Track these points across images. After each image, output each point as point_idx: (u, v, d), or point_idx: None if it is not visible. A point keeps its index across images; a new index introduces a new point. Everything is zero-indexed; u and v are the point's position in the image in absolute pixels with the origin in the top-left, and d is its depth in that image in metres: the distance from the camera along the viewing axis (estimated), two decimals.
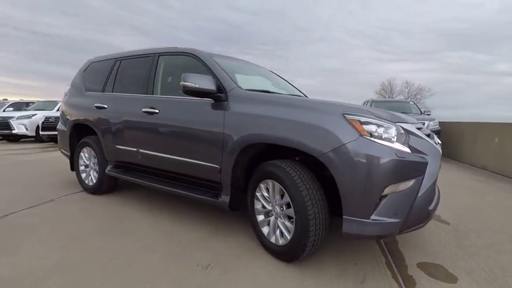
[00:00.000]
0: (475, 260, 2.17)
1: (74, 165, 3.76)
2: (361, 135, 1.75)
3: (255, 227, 2.29)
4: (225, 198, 2.34)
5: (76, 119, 3.60)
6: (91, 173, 3.56)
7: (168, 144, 2.68)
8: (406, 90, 41.20)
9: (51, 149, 8.43)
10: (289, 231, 2.00)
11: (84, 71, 3.82)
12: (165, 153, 2.70)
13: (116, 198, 3.40)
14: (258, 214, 2.27)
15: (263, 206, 2.24)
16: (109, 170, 3.27)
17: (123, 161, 3.18)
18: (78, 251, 2.15)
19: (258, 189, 2.23)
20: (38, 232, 2.46)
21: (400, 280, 1.89)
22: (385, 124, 1.82)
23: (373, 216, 1.73)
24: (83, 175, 3.65)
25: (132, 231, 2.52)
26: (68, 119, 3.75)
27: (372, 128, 1.78)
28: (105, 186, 3.45)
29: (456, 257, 2.21)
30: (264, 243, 2.20)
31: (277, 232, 2.10)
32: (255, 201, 2.27)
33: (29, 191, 3.63)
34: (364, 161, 1.70)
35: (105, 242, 2.31)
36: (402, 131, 1.86)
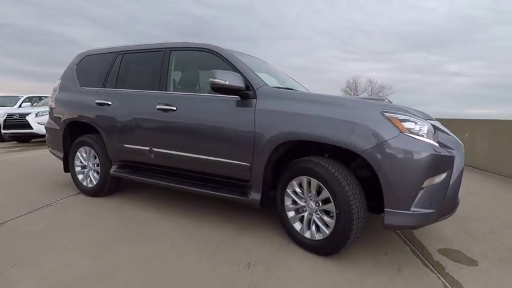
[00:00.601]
0: (485, 244, 2.40)
1: (68, 166, 3.50)
2: (401, 132, 1.85)
3: (285, 224, 2.32)
4: (255, 196, 2.34)
5: (72, 117, 3.34)
6: (90, 174, 3.34)
7: (188, 143, 2.60)
8: (370, 88, 43.55)
9: (16, 149, 7.72)
10: (327, 226, 2.06)
11: (78, 64, 3.55)
12: (184, 152, 2.62)
13: (118, 200, 3.22)
14: (289, 211, 2.30)
15: (294, 202, 2.27)
16: (114, 171, 3.09)
17: (131, 160, 3.03)
18: (106, 257, 2.03)
19: (289, 185, 2.26)
20: (50, 240, 2.27)
21: (430, 266, 2.03)
22: (420, 121, 1.94)
23: (412, 208, 1.84)
24: (80, 176, 3.41)
25: (154, 234, 2.42)
26: (60, 116, 3.47)
27: (411, 125, 1.89)
28: (107, 188, 3.25)
29: (468, 242, 2.42)
30: (297, 239, 2.24)
31: (313, 227, 2.15)
32: (285, 197, 2.30)
33: (16, 196, 3.32)
34: (407, 156, 1.81)
35: (132, 246, 2.20)
36: (432, 128, 1.99)
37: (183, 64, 2.92)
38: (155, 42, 3.06)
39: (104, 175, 3.17)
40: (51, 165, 4.99)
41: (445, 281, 1.86)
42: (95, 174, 3.29)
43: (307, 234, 2.18)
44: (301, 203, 2.23)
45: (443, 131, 2.14)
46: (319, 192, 2.10)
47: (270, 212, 2.87)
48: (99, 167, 3.22)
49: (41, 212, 2.84)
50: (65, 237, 2.32)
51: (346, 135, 1.94)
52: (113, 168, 3.12)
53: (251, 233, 2.47)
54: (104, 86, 3.23)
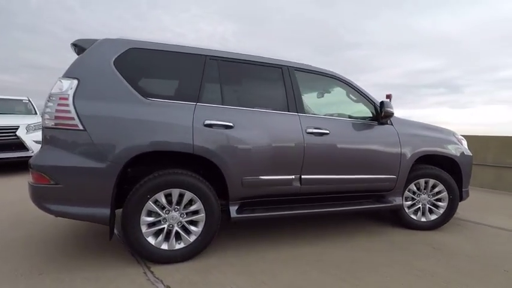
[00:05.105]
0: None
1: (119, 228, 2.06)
2: (463, 145, 3.31)
3: (404, 217, 3.11)
4: (399, 201, 2.95)
5: (145, 146, 2.04)
6: (177, 228, 2.20)
7: (343, 165, 2.68)
8: None
9: None
10: (438, 210, 3.12)
11: (118, 59, 2.14)
12: (337, 175, 2.66)
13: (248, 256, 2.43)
14: (405, 207, 3.12)
15: (406, 199, 3.13)
16: (240, 213, 2.34)
17: (264, 194, 2.45)
18: None
19: (408, 187, 3.09)
20: None
21: (481, 226, 3.57)
22: (463, 138, 3.47)
23: (468, 187, 3.35)
24: (152, 240, 2.15)
25: (363, 265, 2.34)
26: (108, 146, 1.97)
27: (464, 141, 3.39)
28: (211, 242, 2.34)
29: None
30: (414, 224, 3.11)
31: (427, 213, 3.13)
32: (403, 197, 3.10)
33: None
34: (469, 158, 3.30)
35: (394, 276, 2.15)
36: None
37: (308, 86, 2.85)
38: (260, 55, 2.61)
39: (213, 223, 2.27)
40: None
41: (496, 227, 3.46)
42: (192, 227, 2.24)
43: (423, 219, 3.13)
44: (416, 198, 3.13)
45: None
46: (434, 187, 3.11)
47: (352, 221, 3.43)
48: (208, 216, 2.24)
49: None
50: None
51: (450, 150, 3.14)
52: (236, 211, 2.34)
53: (391, 235, 3.01)
54: (199, 99, 2.30)
